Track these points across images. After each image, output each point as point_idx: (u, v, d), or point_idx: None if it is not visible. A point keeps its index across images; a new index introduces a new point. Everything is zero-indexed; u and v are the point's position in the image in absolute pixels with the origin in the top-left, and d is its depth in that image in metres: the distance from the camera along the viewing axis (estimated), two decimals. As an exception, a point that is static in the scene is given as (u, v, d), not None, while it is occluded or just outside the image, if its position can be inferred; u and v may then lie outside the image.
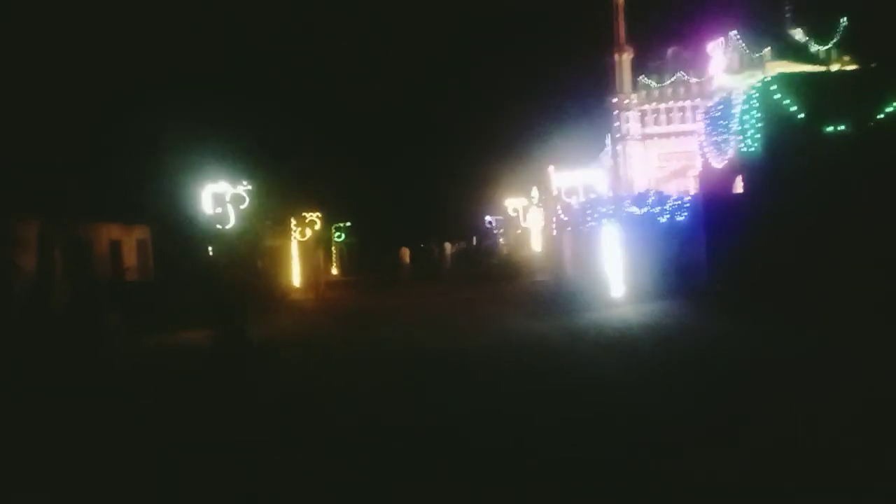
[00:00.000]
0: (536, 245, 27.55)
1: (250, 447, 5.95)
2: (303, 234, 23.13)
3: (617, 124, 25.06)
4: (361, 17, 44.56)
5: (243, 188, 13.62)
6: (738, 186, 13.71)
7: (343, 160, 31.37)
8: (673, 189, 22.59)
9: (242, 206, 13.48)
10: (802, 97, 11.47)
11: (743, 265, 11.70)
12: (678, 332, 10.40)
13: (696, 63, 24.14)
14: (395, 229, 37.43)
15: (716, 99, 18.17)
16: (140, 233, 17.73)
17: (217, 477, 5.29)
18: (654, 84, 24.90)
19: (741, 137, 12.25)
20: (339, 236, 34.44)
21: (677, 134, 24.53)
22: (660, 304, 12.45)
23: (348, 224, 34.96)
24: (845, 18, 21.66)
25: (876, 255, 10.44)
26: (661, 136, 24.91)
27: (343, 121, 34.01)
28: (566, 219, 23.81)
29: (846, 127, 11.23)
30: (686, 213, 13.95)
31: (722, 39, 22.42)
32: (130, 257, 17.16)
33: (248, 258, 15.81)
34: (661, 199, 15.26)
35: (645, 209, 15.41)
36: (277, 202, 19.13)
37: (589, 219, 19.26)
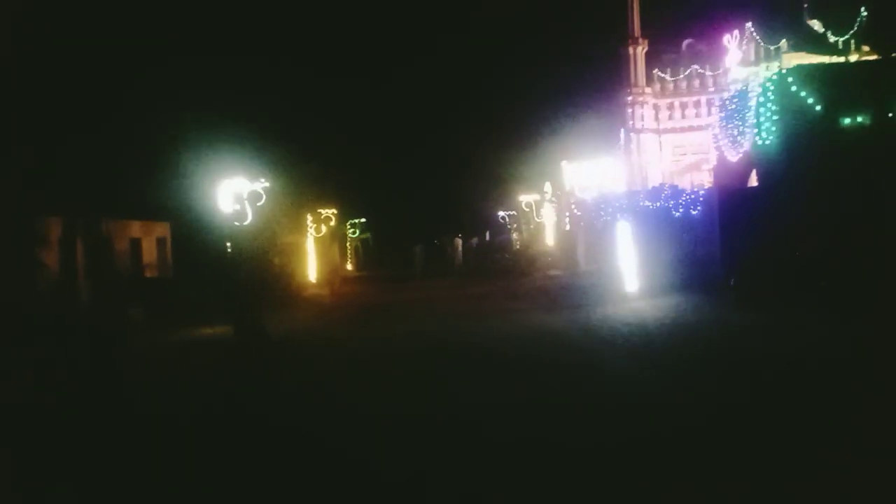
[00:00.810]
0: (550, 240, 27.57)
1: (277, 438, 6.10)
2: (318, 230, 23.36)
3: (631, 118, 24.95)
4: (376, 13, 44.52)
5: (261, 185, 13.77)
6: (754, 180, 13.64)
7: (358, 157, 31.55)
8: (687, 183, 22.49)
9: (259, 203, 13.63)
10: (820, 89, 11.39)
11: (759, 259, 11.67)
12: (695, 327, 10.31)
13: (711, 56, 23.94)
14: (408, 225, 37.62)
15: (731, 92, 18.05)
16: (160, 230, 18.03)
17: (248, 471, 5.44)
18: (668, 77, 24.75)
19: (757, 130, 12.20)
20: (354, 232, 34.67)
21: (692, 128, 24.39)
22: (675, 298, 12.43)
23: (363, 220, 35.17)
24: (864, 8, 21.32)
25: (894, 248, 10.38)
26: (675, 130, 24.79)
27: (359, 118, 34.11)
28: (579, 213, 23.82)
29: (865, 119, 11.13)
30: (701, 207, 13.93)
31: (737, 31, 22.21)
32: (150, 254, 17.44)
33: (266, 255, 16.01)
34: (676, 192, 15.24)
35: (659, 203, 15.40)
36: (294, 199, 19.33)
37: (602, 213, 19.27)
